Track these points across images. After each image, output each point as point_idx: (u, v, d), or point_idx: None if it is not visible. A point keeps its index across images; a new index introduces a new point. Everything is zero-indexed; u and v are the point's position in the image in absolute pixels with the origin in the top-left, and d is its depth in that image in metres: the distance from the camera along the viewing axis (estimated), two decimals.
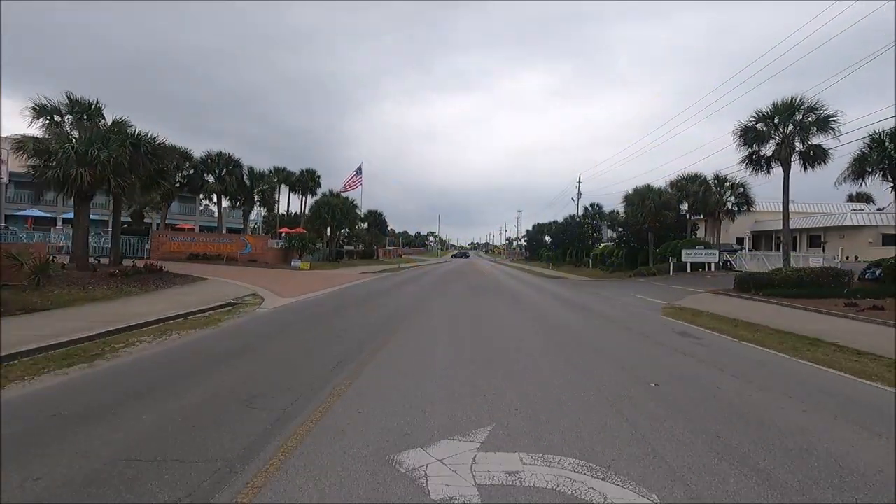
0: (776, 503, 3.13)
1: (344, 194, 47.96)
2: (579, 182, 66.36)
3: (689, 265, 31.54)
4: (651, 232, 34.18)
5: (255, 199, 35.18)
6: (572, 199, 66.68)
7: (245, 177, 34.45)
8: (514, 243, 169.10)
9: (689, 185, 34.61)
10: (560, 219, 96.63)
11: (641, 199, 33.42)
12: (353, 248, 64.70)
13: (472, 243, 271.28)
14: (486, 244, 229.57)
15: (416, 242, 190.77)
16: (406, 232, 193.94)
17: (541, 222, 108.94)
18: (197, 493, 3.05)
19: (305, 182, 59.03)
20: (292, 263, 34.70)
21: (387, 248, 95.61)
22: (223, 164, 33.23)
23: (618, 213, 66.21)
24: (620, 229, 42.01)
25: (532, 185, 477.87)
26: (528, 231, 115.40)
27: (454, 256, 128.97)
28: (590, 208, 63.66)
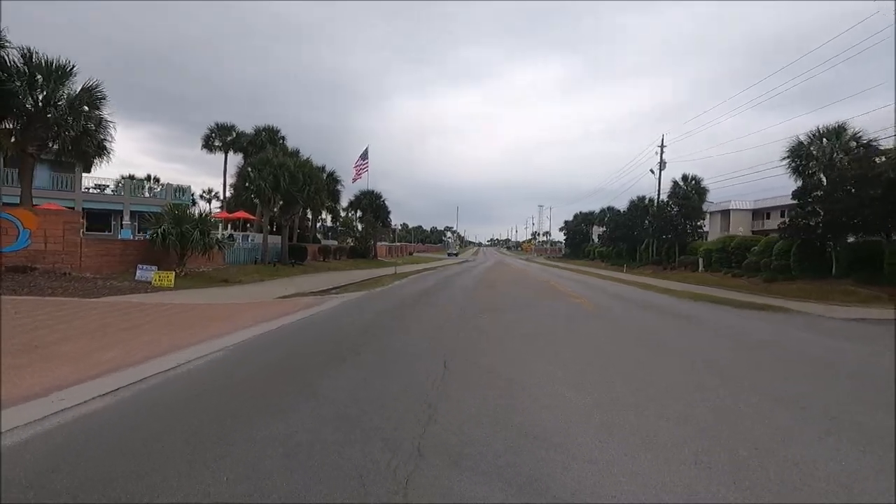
0: None
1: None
2: (662, 146, 45.69)
3: None
4: None
5: (55, 129, 15.08)
6: (651, 170, 46.00)
7: (21, 83, 14.61)
8: (540, 238, 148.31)
9: None
10: (600, 210, 75.56)
11: None
12: (336, 243, 45.02)
13: (491, 239, 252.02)
14: (507, 240, 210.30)
15: (433, 239, 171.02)
16: (420, 227, 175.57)
17: (583, 211, 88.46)
18: None
19: (262, 145, 39.89)
20: (137, 275, 15.43)
21: (393, 244, 75.50)
22: None
23: (696, 194, 45.25)
24: (809, 206, 21.76)
25: (548, 182, 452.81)
26: (566, 223, 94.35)
27: (450, 255, 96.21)
28: (682, 185, 42.74)
